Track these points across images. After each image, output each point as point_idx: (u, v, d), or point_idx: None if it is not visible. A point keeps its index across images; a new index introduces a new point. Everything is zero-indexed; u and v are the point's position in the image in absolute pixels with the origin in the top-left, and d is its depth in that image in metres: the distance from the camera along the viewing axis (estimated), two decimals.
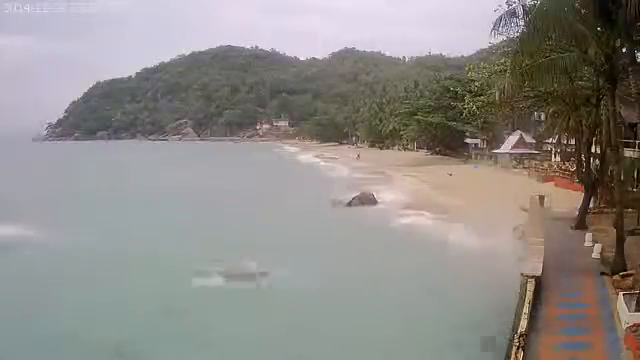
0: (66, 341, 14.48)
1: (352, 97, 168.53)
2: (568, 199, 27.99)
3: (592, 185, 22.84)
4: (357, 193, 40.59)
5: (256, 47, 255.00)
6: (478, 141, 70.72)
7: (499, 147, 60.59)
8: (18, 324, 15.68)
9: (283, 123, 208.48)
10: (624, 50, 15.10)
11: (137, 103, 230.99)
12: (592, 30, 15.43)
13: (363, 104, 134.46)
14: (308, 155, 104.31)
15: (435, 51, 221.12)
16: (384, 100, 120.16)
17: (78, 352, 14.06)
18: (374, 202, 38.80)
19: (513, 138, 58.31)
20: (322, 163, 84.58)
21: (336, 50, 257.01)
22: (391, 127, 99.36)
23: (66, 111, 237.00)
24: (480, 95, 54.74)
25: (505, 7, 18.99)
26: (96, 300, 17.58)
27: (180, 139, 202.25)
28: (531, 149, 56.65)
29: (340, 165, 76.60)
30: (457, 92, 67.92)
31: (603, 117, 20.23)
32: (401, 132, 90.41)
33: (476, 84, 58.52)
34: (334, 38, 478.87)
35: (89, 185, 51.04)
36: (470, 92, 61.40)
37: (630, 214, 19.85)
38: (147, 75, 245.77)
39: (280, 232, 27.56)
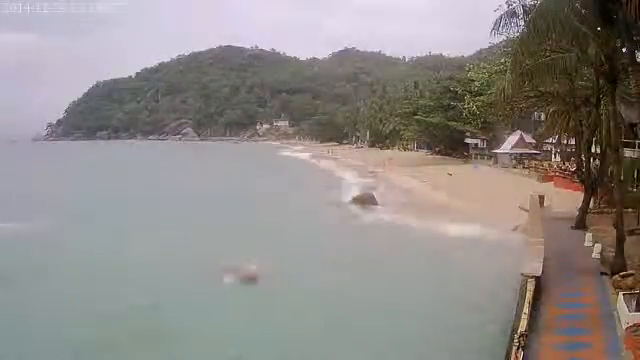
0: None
1: (352, 97, 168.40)
2: (568, 199, 27.98)
3: (592, 185, 22.82)
4: (356, 193, 41.05)
5: (256, 47, 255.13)
6: (478, 141, 70.63)
7: (499, 147, 60.53)
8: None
9: (283, 123, 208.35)
10: (624, 50, 15.07)
11: (137, 103, 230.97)
12: (592, 30, 15.42)
13: (363, 104, 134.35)
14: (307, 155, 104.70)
15: (435, 51, 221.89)
16: (384, 100, 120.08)
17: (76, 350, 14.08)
18: (374, 202, 38.92)
19: (513, 138, 58.27)
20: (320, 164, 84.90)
21: (336, 50, 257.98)
22: (391, 127, 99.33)
23: (66, 111, 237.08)
24: (480, 95, 54.87)
25: (505, 7, 19.09)
26: (99, 296, 17.60)
27: (180, 139, 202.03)
28: (531, 149, 56.61)
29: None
30: (457, 92, 67.92)
31: (603, 117, 20.23)
32: (401, 132, 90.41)
33: (476, 84, 58.74)
34: (334, 37, 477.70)
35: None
36: (470, 92, 61.44)
37: (630, 214, 19.85)
38: (147, 75, 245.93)
39: (282, 232, 27.63)
